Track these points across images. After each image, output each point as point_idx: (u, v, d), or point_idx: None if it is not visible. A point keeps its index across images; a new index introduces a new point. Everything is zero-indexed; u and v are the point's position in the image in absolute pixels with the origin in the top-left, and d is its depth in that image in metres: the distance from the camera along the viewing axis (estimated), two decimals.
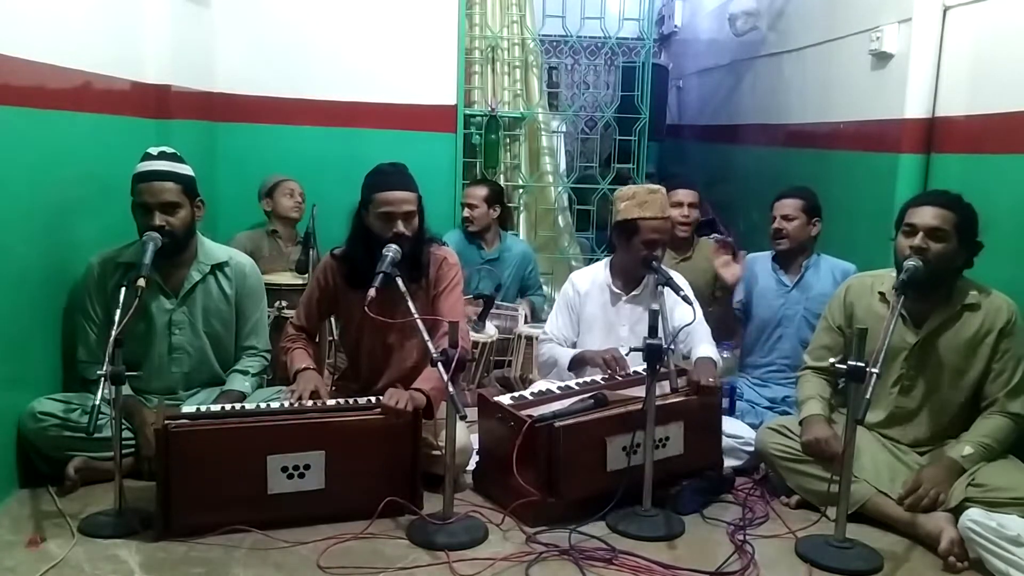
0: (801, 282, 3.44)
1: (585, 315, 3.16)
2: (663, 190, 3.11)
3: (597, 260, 4.86)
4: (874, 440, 2.73)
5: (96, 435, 2.39)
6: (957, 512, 2.45)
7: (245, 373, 2.97)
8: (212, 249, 2.99)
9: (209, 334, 2.97)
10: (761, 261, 3.57)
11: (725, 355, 3.40)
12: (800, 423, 2.76)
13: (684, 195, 3.87)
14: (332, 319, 3.29)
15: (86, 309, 2.87)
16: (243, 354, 3.03)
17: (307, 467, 2.50)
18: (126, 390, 2.59)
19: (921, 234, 2.57)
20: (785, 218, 3.42)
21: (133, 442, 2.74)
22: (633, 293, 3.11)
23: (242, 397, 2.87)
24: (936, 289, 2.63)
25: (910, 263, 2.52)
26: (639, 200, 3.02)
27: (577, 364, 3.07)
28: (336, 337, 3.63)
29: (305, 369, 2.79)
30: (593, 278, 3.19)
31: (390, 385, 2.84)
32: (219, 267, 2.96)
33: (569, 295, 3.20)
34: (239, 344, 3.04)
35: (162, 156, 2.81)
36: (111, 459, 2.46)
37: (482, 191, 4.39)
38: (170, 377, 2.94)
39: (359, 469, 2.54)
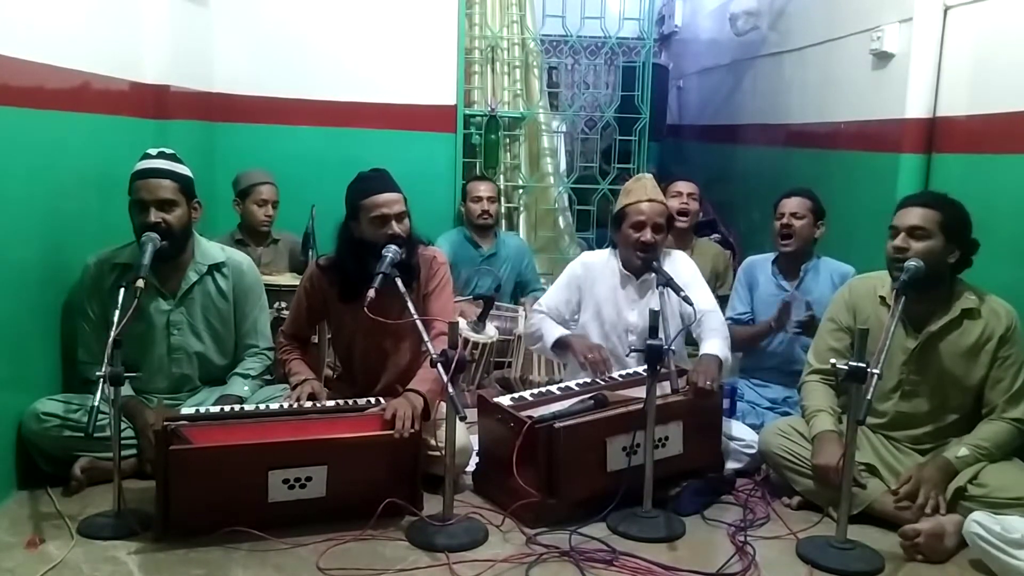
0: (801, 286, 3.42)
1: (593, 295, 3.13)
2: (650, 176, 3.18)
3: None
4: (872, 437, 2.72)
5: (98, 435, 2.38)
6: (950, 511, 2.47)
7: (245, 376, 2.97)
8: (209, 249, 2.99)
9: (209, 334, 2.97)
10: (761, 264, 3.56)
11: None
12: (812, 440, 2.69)
13: (683, 186, 4.05)
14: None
15: (84, 310, 2.87)
16: (244, 353, 3.04)
17: (308, 479, 2.48)
18: (128, 391, 2.58)
19: (902, 234, 2.57)
20: (794, 215, 3.39)
21: (136, 443, 2.74)
22: (643, 278, 3.08)
23: (239, 402, 2.85)
24: (932, 289, 2.60)
25: (911, 264, 2.51)
26: (626, 190, 3.12)
27: (561, 347, 3.06)
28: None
29: (304, 381, 2.82)
30: (605, 260, 3.18)
31: (388, 387, 2.84)
32: (216, 267, 2.97)
33: (577, 272, 3.18)
34: (240, 343, 3.04)
35: (161, 156, 2.83)
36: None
37: (491, 184, 4.47)
38: (171, 377, 2.94)
39: (361, 478, 2.52)
